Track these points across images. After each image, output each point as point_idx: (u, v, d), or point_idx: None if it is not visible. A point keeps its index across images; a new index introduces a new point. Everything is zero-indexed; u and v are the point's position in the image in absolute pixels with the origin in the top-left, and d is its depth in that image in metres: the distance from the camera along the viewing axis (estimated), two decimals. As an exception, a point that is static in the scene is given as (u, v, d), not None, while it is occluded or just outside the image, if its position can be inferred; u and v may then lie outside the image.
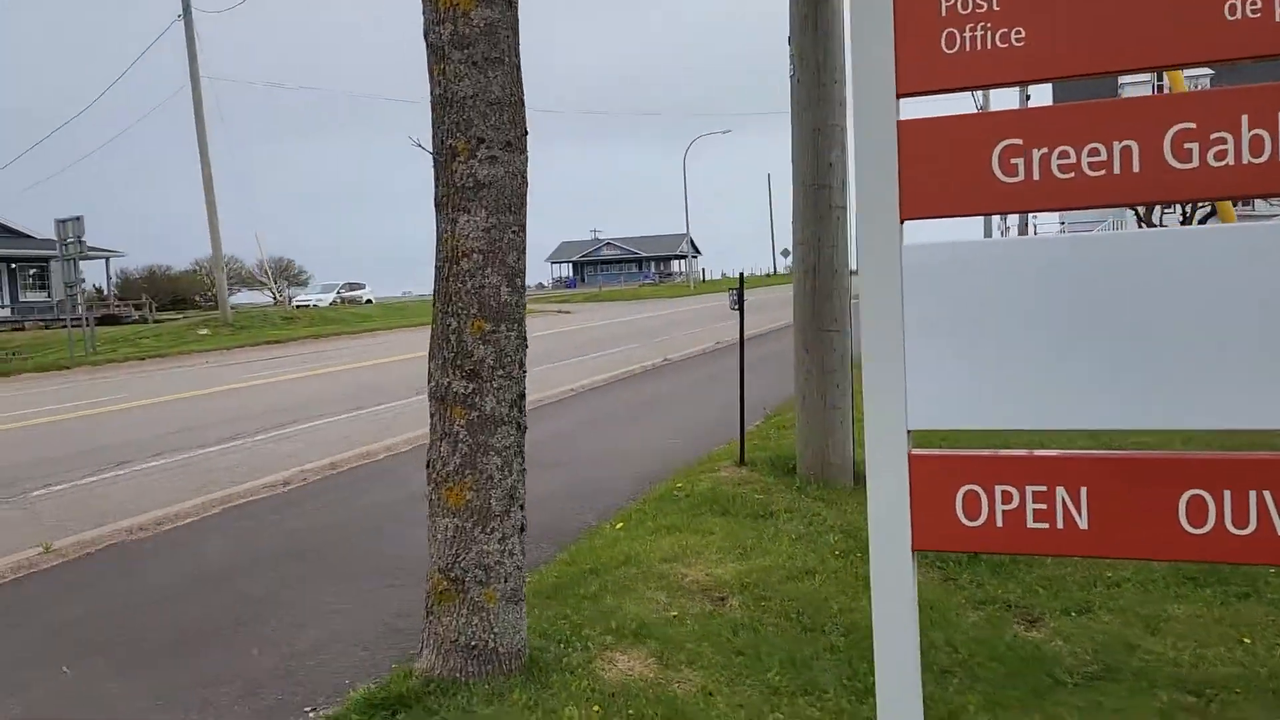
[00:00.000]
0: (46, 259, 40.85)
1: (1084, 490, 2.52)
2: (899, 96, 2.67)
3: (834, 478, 6.32)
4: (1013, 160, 2.55)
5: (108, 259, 43.63)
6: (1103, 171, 2.48)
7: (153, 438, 11.04)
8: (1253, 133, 2.32)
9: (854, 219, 6.58)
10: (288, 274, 59.24)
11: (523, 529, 3.56)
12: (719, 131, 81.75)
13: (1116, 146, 2.48)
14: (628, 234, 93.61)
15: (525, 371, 3.52)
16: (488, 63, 3.22)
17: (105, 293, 43.71)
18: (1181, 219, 31.74)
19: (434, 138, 3.35)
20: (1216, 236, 2.51)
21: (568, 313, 38.63)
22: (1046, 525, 2.54)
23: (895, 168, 2.63)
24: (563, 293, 72.55)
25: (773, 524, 5.50)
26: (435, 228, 3.41)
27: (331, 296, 49.45)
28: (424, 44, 3.32)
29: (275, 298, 50.41)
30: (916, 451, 2.64)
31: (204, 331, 29.85)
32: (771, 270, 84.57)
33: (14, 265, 41.13)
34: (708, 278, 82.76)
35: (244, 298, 54.08)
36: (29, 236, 41.67)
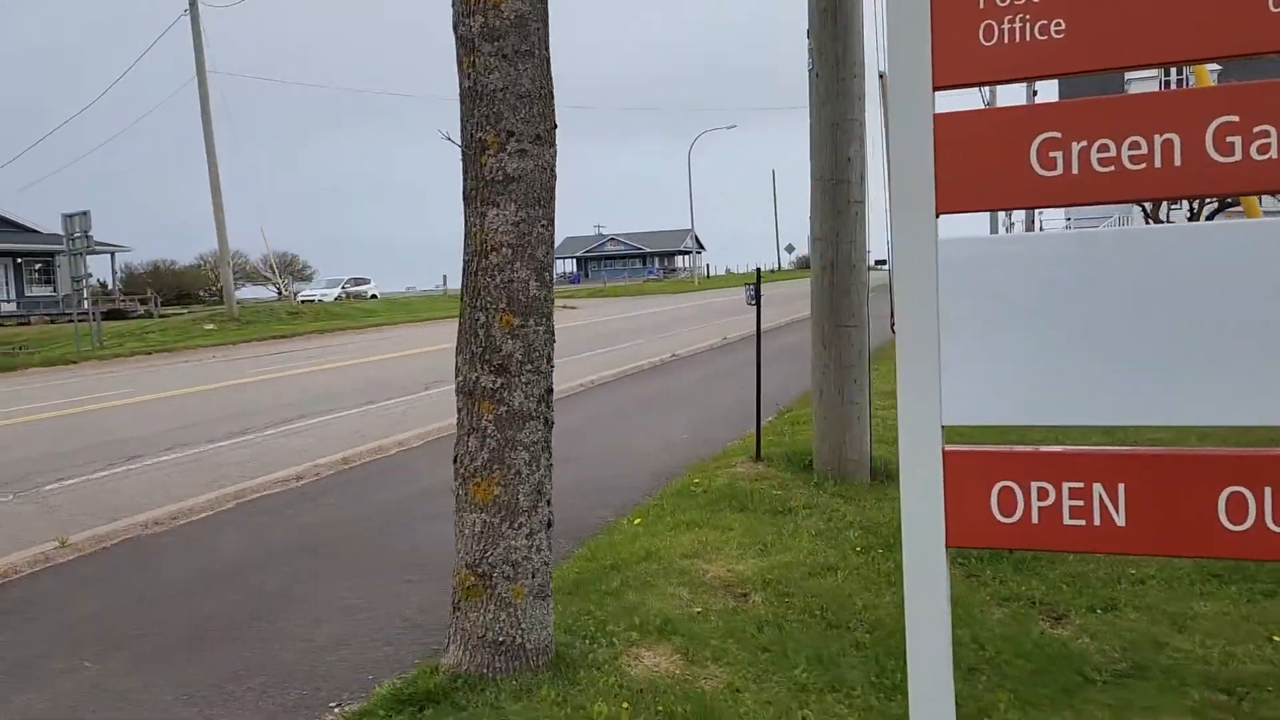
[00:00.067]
0: (52, 253, 40.90)
1: (1121, 487, 2.50)
2: (935, 89, 2.65)
3: (851, 473, 6.29)
4: (1051, 153, 2.52)
5: (113, 254, 43.67)
6: (1143, 165, 2.46)
7: (162, 432, 11.04)
8: (1296, 126, 2.30)
9: (870, 214, 6.56)
10: (292, 269, 59.27)
11: (550, 525, 3.54)
12: (724, 127, 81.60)
13: (1158, 140, 2.45)
14: (631, 230, 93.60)
15: (553, 366, 3.51)
16: (518, 55, 3.19)
17: (110, 288, 43.73)
18: (1189, 215, 31.61)
19: (462, 131, 3.33)
20: (1260, 230, 2.49)
21: (573, 308, 38.60)
22: (1083, 522, 2.52)
23: (931, 161, 2.61)
24: (567, 288, 72.52)
25: (792, 520, 5.48)
26: (463, 221, 3.39)
27: (336, 291, 49.45)
28: (453, 36, 3.29)
29: (280, 292, 50.43)
30: (951, 447, 2.62)
31: (210, 326, 29.85)
32: (776, 266, 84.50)
33: (20, 260, 41.17)
34: (712, 273, 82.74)
35: (248, 292, 54.10)
36: (35, 231, 41.70)
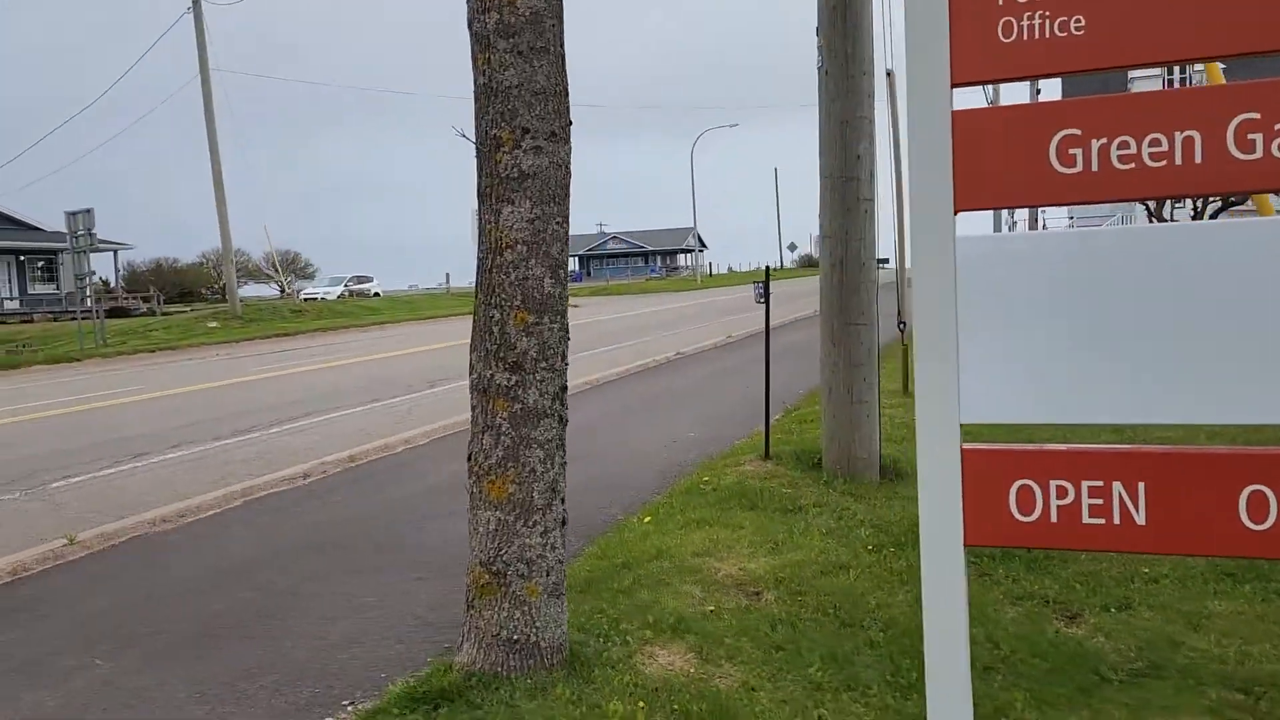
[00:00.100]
0: (55, 251, 40.94)
1: (1142, 486, 2.49)
2: (954, 86, 2.63)
3: (860, 472, 6.28)
4: (1071, 150, 2.51)
5: (116, 251, 43.69)
6: (1164, 162, 2.44)
7: (168, 430, 11.04)
8: (1319, 123, 2.28)
9: (881, 212, 6.54)
10: (294, 267, 59.28)
11: (564, 522, 3.53)
12: (726, 125, 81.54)
13: (1178, 137, 2.44)
14: (633, 228, 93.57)
15: (567, 364, 3.49)
16: (533, 52, 3.18)
17: (112, 286, 43.74)
18: (1193, 214, 31.57)
19: (477, 128, 3.31)
20: (1272, 229, 2.48)
21: (576, 306, 38.56)
22: (1103, 521, 2.51)
23: (949, 159, 2.60)
24: (569, 286, 72.39)
25: (802, 518, 5.47)
26: (478, 218, 3.38)
27: (339, 289, 49.47)
28: (467, 33, 3.28)
29: (282, 291, 50.43)
30: (969, 446, 2.61)
31: (213, 324, 29.86)
32: (779, 264, 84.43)
33: (22, 257, 41.20)
34: (714, 272, 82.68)
35: (250, 290, 54.07)
36: (38, 229, 41.73)
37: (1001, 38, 2.58)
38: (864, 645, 3.82)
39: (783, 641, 3.84)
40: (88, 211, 24.78)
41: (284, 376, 16.97)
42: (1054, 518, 2.56)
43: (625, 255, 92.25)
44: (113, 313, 32.98)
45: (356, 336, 28.06)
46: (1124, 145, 2.47)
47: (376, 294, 50.74)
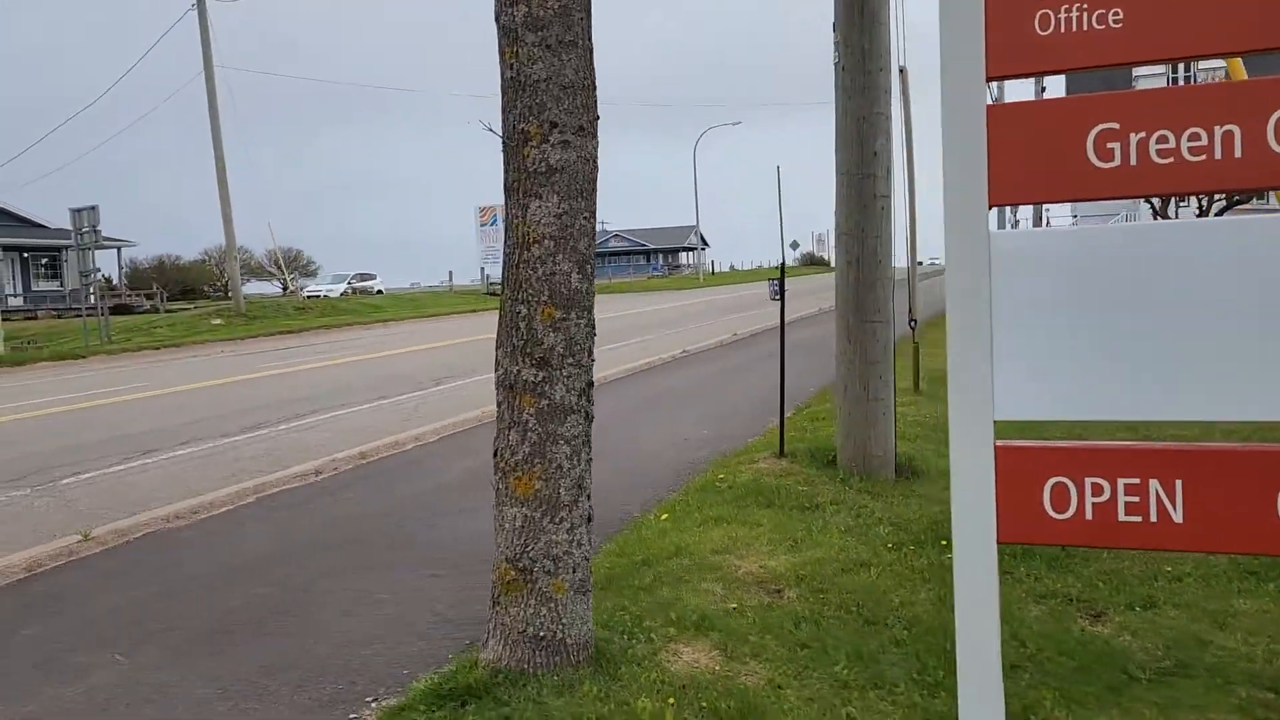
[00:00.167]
0: (58, 248, 40.92)
1: (1179, 483, 2.48)
2: (989, 80, 2.61)
3: (876, 470, 6.26)
4: (1109, 145, 2.49)
5: (119, 249, 43.68)
6: (1203, 156, 2.42)
7: (176, 426, 11.03)
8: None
9: (904, 207, 6.51)
10: (296, 264, 59.29)
11: (590, 519, 3.52)
12: (729, 123, 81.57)
13: (1218, 131, 2.42)
14: (635, 226, 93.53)
15: (594, 360, 3.47)
16: (562, 45, 3.16)
17: (115, 282, 43.73)
18: (1198, 212, 31.55)
19: (504, 122, 3.29)
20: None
21: (579, 304, 38.49)
22: (1139, 519, 2.49)
23: (984, 153, 2.58)
24: (571, 284, 72.36)
25: (820, 516, 5.45)
26: (505, 213, 3.36)
27: (342, 287, 49.44)
28: (495, 26, 3.26)
29: (285, 288, 50.43)
30: (1002, 443, 2.59)
31: (217, 321, 29.86)
32: (781, 262, 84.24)
33: (26, 254, 41.18)
34: (716, 270, 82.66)
35: (252, 288, 54.05)
36: (42, 226, 41.70)
37: (1038, 30, 2.56)
38: (889, 643, 3.80)
39: (807, 639, 3.82)
40: (93, 208, 24.76)
41: (289, 374, 16.96)
42: (1089, 515, 2.54)
43: (627, 253, 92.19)
44: (116, 310, 32.97)
45: (360, 334, 28.05)
46: (1163, 139, 2.45)
47: (379, 291, 50.71)
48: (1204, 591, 4.29)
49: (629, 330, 23.04)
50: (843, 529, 5.21)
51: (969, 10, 2.58)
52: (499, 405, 3.45)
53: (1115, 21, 2.51)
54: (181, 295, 47.48)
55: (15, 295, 39.41)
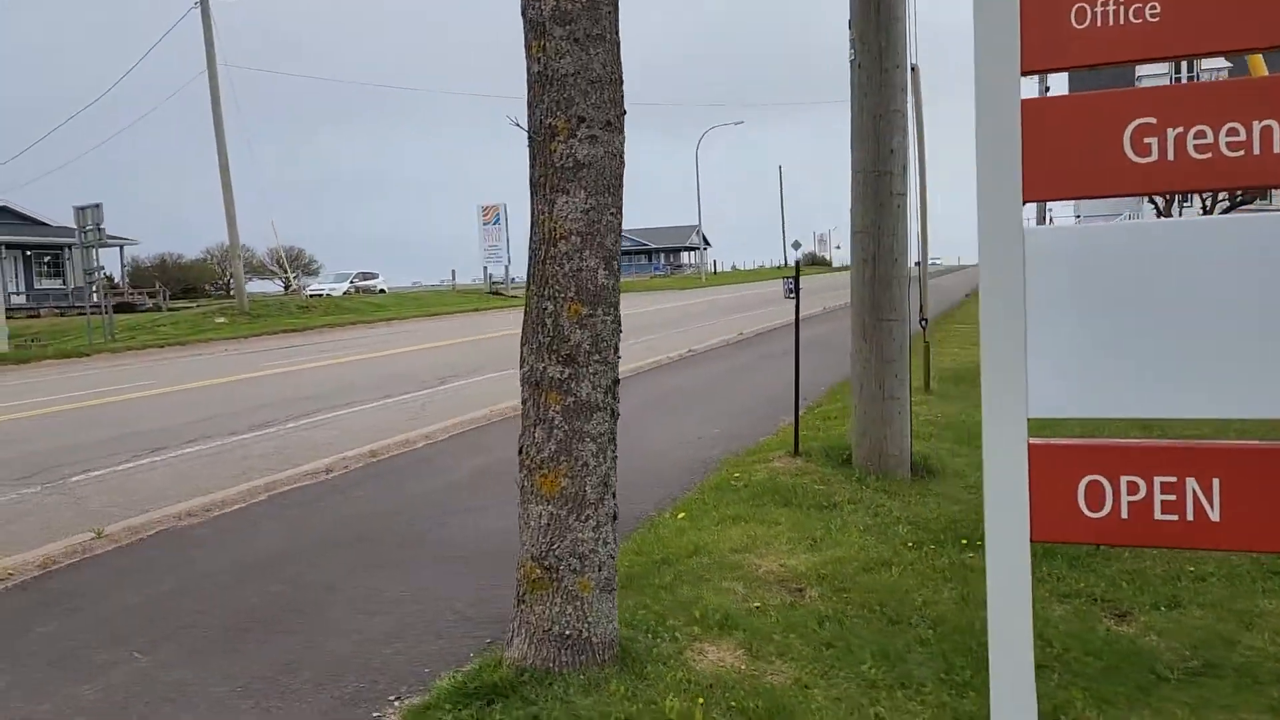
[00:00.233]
0: (61, 246, 40.93)
1: (1216, 481, 2.46)
2: (1024, 74, 2.59)
3: (892, 469, 6.23)
4: (1146, 140, 2.47)
5: (121, 247, 43.69)
6: (1241, 152, 2.40)
7: (183, 425, 11.00)
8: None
9: (914, 206, 6.48)
10: (299, 263, 59.25)
11: (615, 517, 3.49)
12: (731, 123, 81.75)
13: (1256, 126, 2.40)
14: (637, 226, 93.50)
15: (620, 356, 3.45)
16: (589, 39, 3.13)
17: (117, 281, 43.72)
18: (1201, 210, 31.54)
19: (530, 117, 3.27)
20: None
21: (582, 303, 38.43)
22: (1175, 517, 2.47)
23: (1018, 148, 2.56)
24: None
25: (838, 515, 5.43)
26: (530, 209, 3.33)
27: (345, 285, 49.42)
28: (521, 20, 3.23)
29: (288, 286, 50.41)
30: (1036, 440, 2.57)
31: (221, 320, 29.84)
32: (782, 262, 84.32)
33: (29, 252, 41.20)
34: (718, 269, 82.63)
35: (254, 286, 54.01)
36: (44, 224, 41.72)
37: (1074, 24, 2.54)
38: (914, 643, 3.77)
39: (832, 638, 3.80)
40: (96, 206, 24.75)
41: (295, 372, 16.94)
42: (1124, 514, 2.52)
43: (629, 253, 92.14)
44: (119, 308, 32.98)
45: (364, 333, 28.03)
46: (1200, 135, 2.43)
47: (382, 290, 50.70)
48: (1229, 591, 4.26)
49: (634, 330, 23.00)
50: (861, 528, 5.18)
51: (1004, 4, 2.56)
52: (524, 402, 3.43)
53: (1152, 15, 2.49)
54: (183, 294, 47.49)
55: (18, 293, 39.41)
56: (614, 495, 3.49)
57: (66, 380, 17.47)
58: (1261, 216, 2.66)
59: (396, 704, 3.58)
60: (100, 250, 27.27)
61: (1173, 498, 2.48)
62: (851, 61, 6.14)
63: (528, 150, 3.30)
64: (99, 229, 24.95)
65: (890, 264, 6.13)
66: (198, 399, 13.51)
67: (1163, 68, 34.15)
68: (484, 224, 47.60)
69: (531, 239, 3.34)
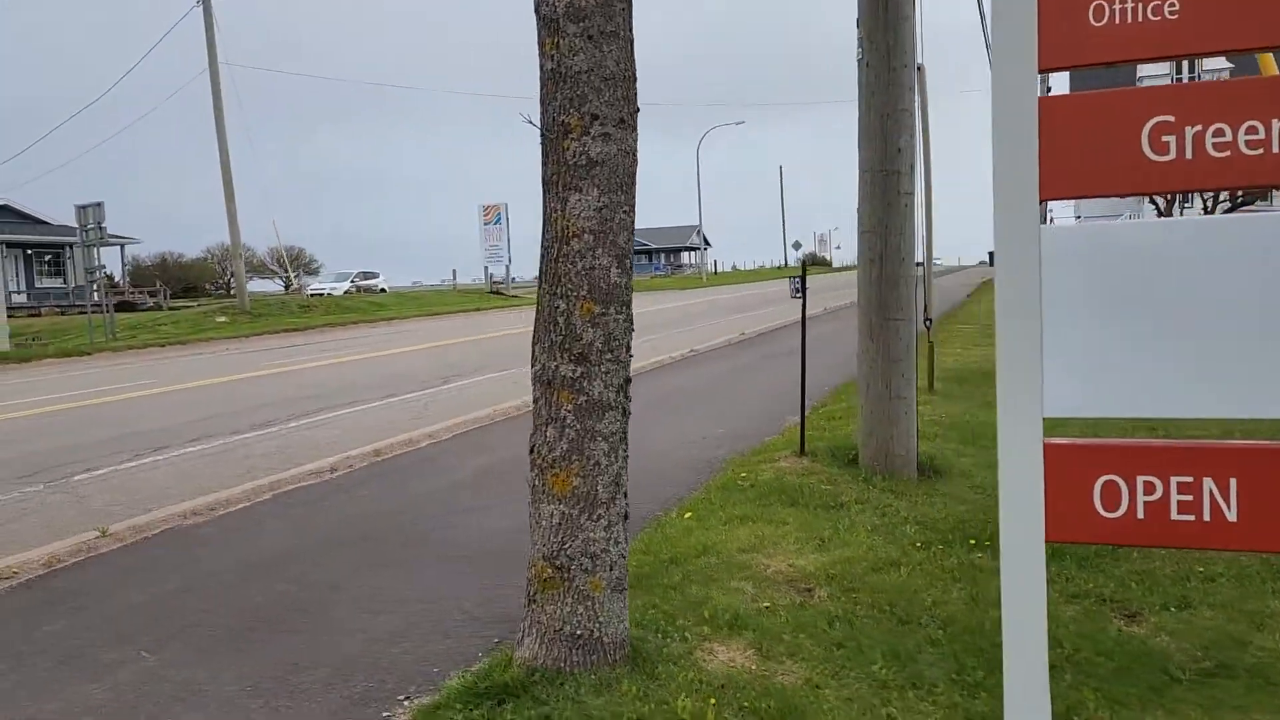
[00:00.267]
0: (62, 245, 40.89)
1: (1233, 481, 2.45)
2: (1041, 71, 2.58)
3: (898, 469, 6.22)
4: (1164, 138, 2.46)
5: (123, 245, 43.65)
6: (1260, 150, 2.40)
7: (186, 424, 10.99)
8: None
9: (919, 205, 6.47)
10: (299, 262, 59.23)
11: (626, 517, 3.48)
12: (732, 123, 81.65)
13: (1275, 125, 2.39)
14: (638, 225, 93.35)
15: (632, 355, 3.44)
16: (603, 36, 3.12)
17: (117, 279, 43.67)
18: (1203, 211, 31.52)
19: (543, 114, 3.25)
20: None
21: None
22: (1192, 517, 2.47)
23: (1035, 146, 2.55)
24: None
25: (845, 515, 5.42)
26: (542, 207, 3.32)
27: (346, 285, 49.38)
28: (534, 17, 3.22)
29: (288, 285, 50.39)
30: (1051, 440, 2.56)
31: (222, 319, 29.82)
32: (783, 263, 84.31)
33: (30, 251, 41.17)
34: (718, 269, 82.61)
35: (254, 286, 53.97)
36: (45, 223, 41.69)
37: (1092, 21, 2.53)
38: (925, 643, 3.76)
39: (842, 639, 3.79)
40: (98, 205, 24.72)
41: (296, 371, 16.93)
42: (1140, 514, 2.52)
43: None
44: (119, 307, 32.96)
45: (366, 332, 28.01)
46: (1219, 133, 2.42)
47: (383, 290, 50.67)
48: (1238, 592, 4.26)
49: (636, 329, 22.79)
50: (869, 528, 5.17)
51: (1023, 2, 2.55)
52: (535, 401, 3.42)
53: (1171, 13, 2.48)
54: (183, 293, 47.45)
55: (19, 292, 39.38)
56: (625, 495, 3.47)
57: (68, 379, 17.45)
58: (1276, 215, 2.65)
59: (406, 703, 3.57)
60: (101, 249, 27.25)
61: (1189, 498, 2.48)
62: (859, 60, 6.13)
63: (540, 148, 3.29)
64: (100, 228, 24.93)
65: (898, 263, 6.12)
66: (199, 398, 13.50)
67: (1164, 67, 34.17)
68: (485, 224, 47.58)
69: (544, 237, 3.32)
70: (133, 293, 40.65)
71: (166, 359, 21.36)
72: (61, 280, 41.89)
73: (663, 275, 78.63)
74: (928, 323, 10.10)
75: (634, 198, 3.32)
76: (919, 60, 8.90)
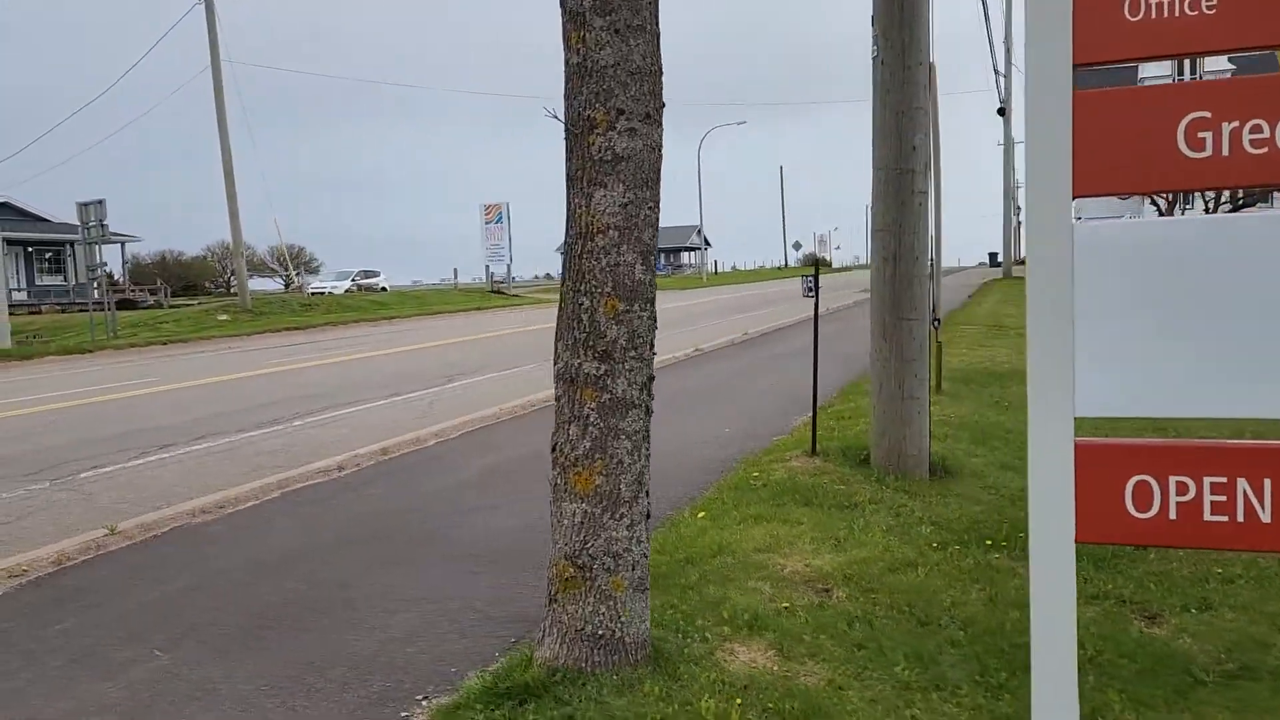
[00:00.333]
0: (62, 242, 40.83)
1: (1268, 482, 2.42)
2: (1076, 67, 2.55)
3: (910, 469, 6.19)
4: (1200, 134, 2.43)
5: (123, 243, 43.59)
6: (1299, 147, 2.36)
7: (191, 421, 10.96)
8: None
9: (939, 203, 6.44)
10: (299, 260, 59.18)
11: (648, 516, 3.45)
12: (734, 123, 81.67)
13: (1314, 122, 2.36)
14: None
15: (655, 353, 3.41)
16: (630, 30, 3.09)
17: (117, 277, 43.60)
18: (1205, 209, 31.54)
19: (568, 109, 3.22)
20: None
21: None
22: (1225, 518, 2.44)
23: (1069, 141, 2.52)
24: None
25: (860, 515, 5.39)
26: (566, 202, 3.29)
27: (347, 284, 49.31)
28: (560, 10, 3.19)
29: (288, 284, 50.32)
30: (1082, 440, 2.53)
31: (223, 317, 29.78)
32: (783, 263, 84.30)
33: (30, 248, 41.09)
34: (719, 269, 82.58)
35: (255, 284, 53.91)
36: (46, 220, 41.63)
37: (1128, 16, 2.50)
38: (946, 644, 3.74)
39: (862, 640, 3.76)
40: (99, 202, 24.66)
41: (299, 370, 16.89)
42: (1173, 514, 2.49)
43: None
44: (120, 305, 32.88)
45: (367, 331, 27.97)
46: (1257, 129, 2.40)
47: (384, 289, 50.60)
48: (1258, 593, 4.23)
49: (637, 329, 22.91)
50: (884, 528, 5.15)
51: (1057, -6, 2.52)
52: (558, 399, 3.39)
53: (1209, 7, 2.45)
54: (183, 291, 47.38)
55: (19, 289, 39.30)
56: (647, 493, 3.45)
57: (70, 377, 17.41)
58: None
59: (425, 704, 3.54)
60: (102, 247, 27.19)
61: (1223, 498, 2.45)
62: (874, 58, 6.10)
63: (564, 143, 3.26)
64: (102, 225, 24.86)
65: (911, 262, 6.10)
66: (203, 396, 13.47)
67: (1166, 68, 34.13)
68: (486, 223, 47.51)
69: (567, 233, 3.29)
70: (133, 290, 40.59)
71: (168, 357, 21.32)
72: (62, 278, 41.83)
73: (663, 275, 78.58)
74: (936, 323, 10.07)
75: (659, 194, 3.29)
76: (930, 58, 8.88)
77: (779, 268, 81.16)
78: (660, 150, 3.26)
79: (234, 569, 5.36)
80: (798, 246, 72.34)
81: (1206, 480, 2.47)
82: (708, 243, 78.93)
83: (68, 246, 40.52)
